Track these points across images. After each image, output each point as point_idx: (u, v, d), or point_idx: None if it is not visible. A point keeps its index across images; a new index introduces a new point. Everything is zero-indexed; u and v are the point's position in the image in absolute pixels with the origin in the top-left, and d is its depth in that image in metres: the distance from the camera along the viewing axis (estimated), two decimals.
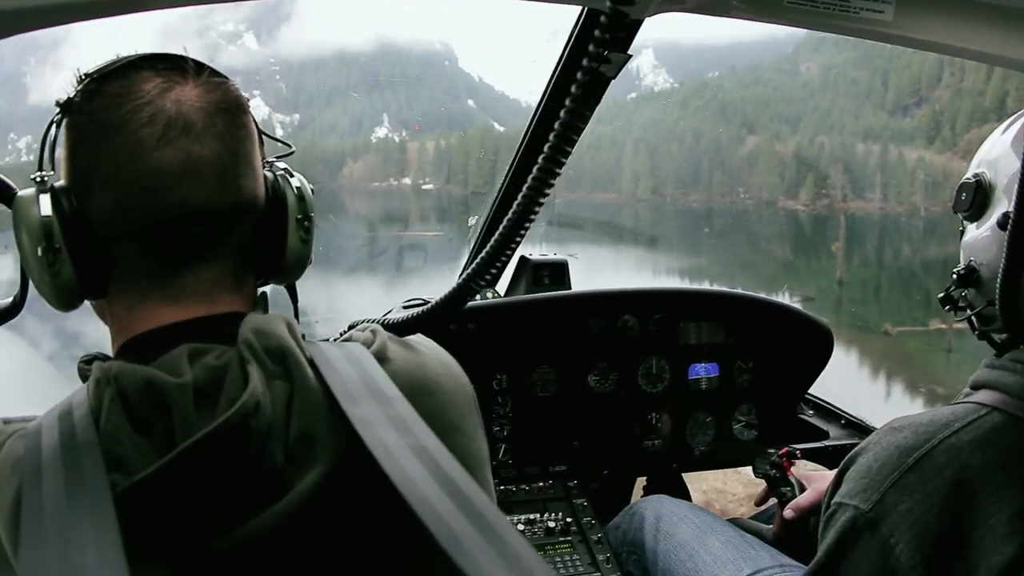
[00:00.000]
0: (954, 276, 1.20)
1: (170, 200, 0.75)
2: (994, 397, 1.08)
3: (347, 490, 0.73)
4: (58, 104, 0.78)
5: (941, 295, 1.25)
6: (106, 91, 0.76)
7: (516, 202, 0.70)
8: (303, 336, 0.83)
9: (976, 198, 1.16)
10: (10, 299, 1.17)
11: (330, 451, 0.72)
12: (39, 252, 0.77)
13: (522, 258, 2.39)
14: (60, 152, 0.80)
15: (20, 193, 0.80)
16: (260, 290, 0.93)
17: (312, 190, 0.92)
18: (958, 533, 1.00)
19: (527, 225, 0.75)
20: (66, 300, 0.82)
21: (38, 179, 0.79)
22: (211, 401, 0.72)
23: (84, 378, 0.78)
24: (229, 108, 0.80)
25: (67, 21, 1.07)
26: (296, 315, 1.01)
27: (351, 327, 1.00)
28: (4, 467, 0.73)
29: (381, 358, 0.85)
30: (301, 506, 0.70)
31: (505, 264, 0.87)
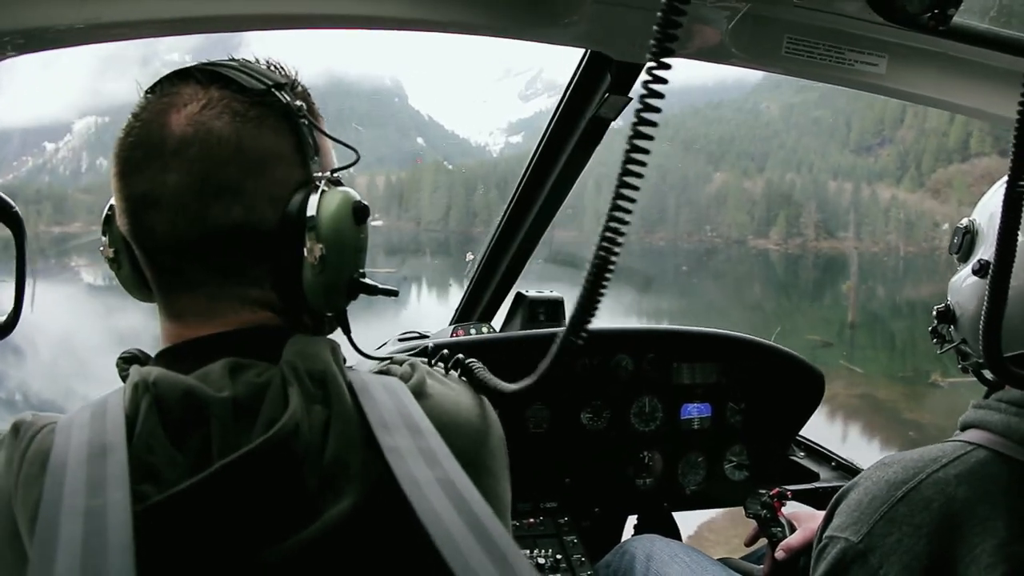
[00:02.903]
0: (934, 313, 1.35)
1: (141, 227, 0.83)
2: (980, 435, 1.19)
3: (376, 520, 0.75)
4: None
5: (931, 328, 1.39)
6: (134, 111, 0.85)
7: (598, 249, 0.72)
8: (344, 361, 0.88)
9: (964, 242, 1.30)
10: (3, 317, 1.18)
11: (362, 480, 0.75)
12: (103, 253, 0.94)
13: (518, 294, 2.50)
14: None
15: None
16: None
17: (364, 212, 0.88)
18: (945, 563, 1.09)
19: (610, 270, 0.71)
20: (136, 294, 0.96)
21: None
22: (249, 419, 0.76)
23: (122, 378, 0.82)
24: (217, 130, 0.82)
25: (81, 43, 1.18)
26: (351, 341, 1.00)
27: (401, 339, 1.04)
28: (34, 463, 0.75)
29: (418, 393, 0.87)
30: (330, 533, 0.72)
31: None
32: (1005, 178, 1.28)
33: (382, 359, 0.99)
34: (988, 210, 1.27)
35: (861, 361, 16.66)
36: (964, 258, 1.31)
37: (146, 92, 0.87)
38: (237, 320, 0.86)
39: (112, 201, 0.89)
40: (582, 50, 1.70)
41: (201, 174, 0.81)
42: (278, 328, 0.87)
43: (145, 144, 0.82)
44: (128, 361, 0.87)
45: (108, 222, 0.92)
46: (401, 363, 0.95)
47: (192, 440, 0.74)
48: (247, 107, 0.84)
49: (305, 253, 0.85)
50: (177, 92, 0.84)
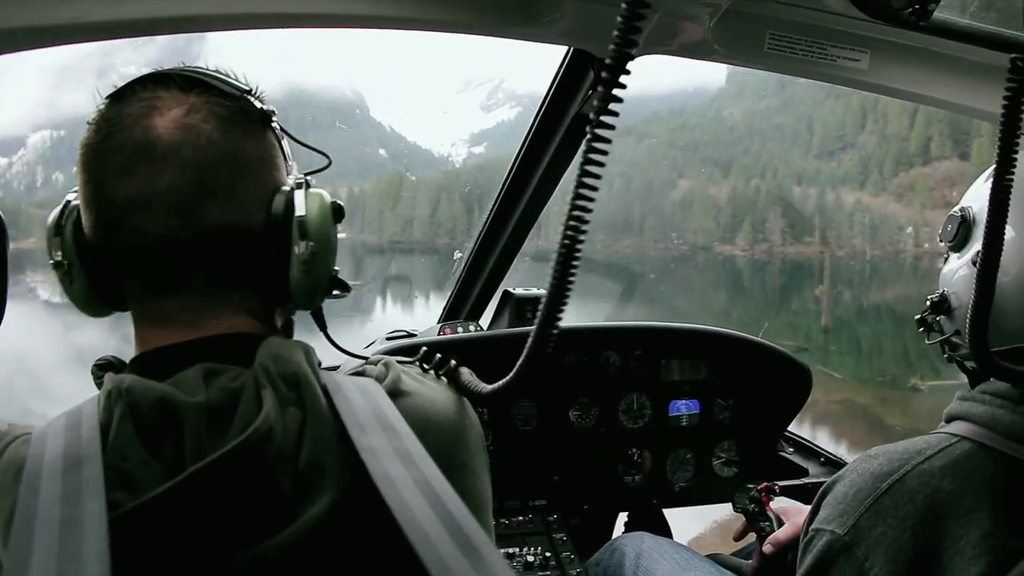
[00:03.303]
0: (927, 303, 1.35)
1: (128, 230, 0.82)
2: (964, 427, 1.20)
3: (352, 521, 0.76)
4: (87, 123, 0.86)
5: (918, 317, 1.40)
6: (103, 115, 0.85)
7: (561, 246, 0.75)
8: (319, 364, 0.89)
9: (960, 231, 1.29)
10: None
11: (338, 481, 0.76)
12: (54, 266, 0.89)
13: (505, 292, 2.52)
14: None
15: (53, 212, 0.90)
16: (289, 315, 1.00)
17: (341, 212, 0.93)
18: (930, 555, 1.11)
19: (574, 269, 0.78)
20: (87, 310, 0.93)
21: (70, 199, 0.90)
22: (223, 423, 0.77)
23: (97, 385, 0.83)
24: (206, 133, 0.84)
25: (54, 44, 1.15)
26: (330, 340, 1.04)
27: (389, 337, 1.05)
28: (7, 474, 0.76)
29: (393, 392, 0.89)
30: (306, 535, 0.73)
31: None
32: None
33: (358, 357, 1.02)
34: (981, 194, 1.27)
35: (836, 366, 16.75)
36: (958, 247, 1.31)
37: (113, 97, 0.87)
38: (218, 325, 0.87)
39: (57, 210, 0.89)
40: (550, 57, 1.74)
41: (195, 175, 0.82)
42: (254, 332, 0.89)
43: (128, 147, 0.82)
44: (103, 368, 0.87)
45: (59, 231, 0.89)
46: (376, 363, 0.98)
47: (166, 446, 0.75)
48: (229, 112, 0.87)
49: (296, 251, 0.88)
50: (156, 96, 0.85)
